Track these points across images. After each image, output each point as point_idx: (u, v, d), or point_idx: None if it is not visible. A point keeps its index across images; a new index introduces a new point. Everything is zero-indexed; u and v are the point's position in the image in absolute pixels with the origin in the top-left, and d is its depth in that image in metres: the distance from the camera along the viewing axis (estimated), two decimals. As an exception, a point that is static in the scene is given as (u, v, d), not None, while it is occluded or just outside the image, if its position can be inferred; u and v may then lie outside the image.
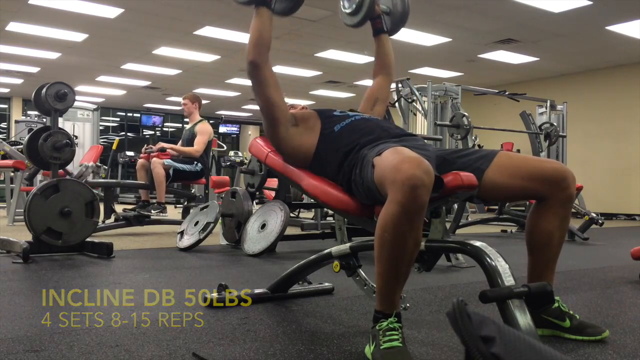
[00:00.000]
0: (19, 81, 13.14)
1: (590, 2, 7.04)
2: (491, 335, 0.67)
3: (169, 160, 5.10)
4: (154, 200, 5.19)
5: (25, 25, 8.44)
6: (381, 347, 1.43)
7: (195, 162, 5.26)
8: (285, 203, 3.92)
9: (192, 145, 5.24)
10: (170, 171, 5.05)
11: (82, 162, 6.32)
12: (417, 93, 7.35)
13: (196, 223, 4.03)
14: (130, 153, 11.02)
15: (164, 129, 18.60)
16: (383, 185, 1.47)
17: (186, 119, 7.32)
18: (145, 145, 5.36)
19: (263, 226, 3.78)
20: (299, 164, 1.88)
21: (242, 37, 8.81)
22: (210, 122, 5.72)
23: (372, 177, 1.55)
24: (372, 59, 2.19)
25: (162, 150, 5.16)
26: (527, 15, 7.57)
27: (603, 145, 10.64)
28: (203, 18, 8.05)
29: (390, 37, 2.18)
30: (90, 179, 5.58)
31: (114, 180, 8.61)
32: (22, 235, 3.72)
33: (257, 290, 2.22)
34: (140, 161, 5.23)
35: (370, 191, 1.59)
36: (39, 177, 6.15)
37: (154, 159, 5.02)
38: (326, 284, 2.40)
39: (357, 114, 1.91)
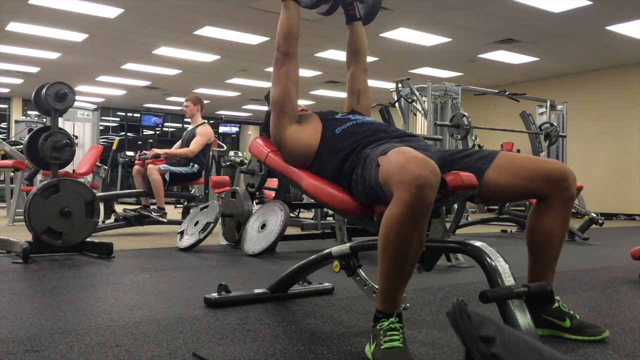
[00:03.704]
0: (19, 81, 13.15)
1: (590, 2, 7.04)
2: (491, 335, 0.67)
3: (165, 165, 5.10)
4: (153, 200, 5.19)
5: (25, 25, 8.44)
6: (382, 347, 1.42)
7: (192, 164, 5.26)
8: (285, 203, 3.92)
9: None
10: (167, 176, 5.05)
11: (77, 172, 6.34)
12: (417, 93, 7.35)
13: (196, 223, 4.03)
14: (130, 153, 11.01)
15: (164, 129, 18.60)
16: (388, 185, 1.46)
17: (186, 119, 7.31)
18: (139, 152, 5.36)
19: (263, 226, 3.78)
20: (299, 164, 1.88)
21: (242, 37, 8.81)
22: (210, 122, 5.72)
23: (376, 176, 1.55)
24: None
25: (157, 156, 5.16)
26: (527, 15, 7.57)
27: (603, 145, 10.63)
28: (203, 18, 8.05)
29: (365, 25, 2.17)
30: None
31: (112, 192, 8.63)
32: (22, 235, 3.72)
33: (257, 290, 2.23)
34: (135, 167, 5.23)
35: (373, 191, 1.58)
36: (39, 177, 6.15)
37: (150, 165, 5.02)
38: (326, 284, 2.40)
39: (358, 117, 1.91)
